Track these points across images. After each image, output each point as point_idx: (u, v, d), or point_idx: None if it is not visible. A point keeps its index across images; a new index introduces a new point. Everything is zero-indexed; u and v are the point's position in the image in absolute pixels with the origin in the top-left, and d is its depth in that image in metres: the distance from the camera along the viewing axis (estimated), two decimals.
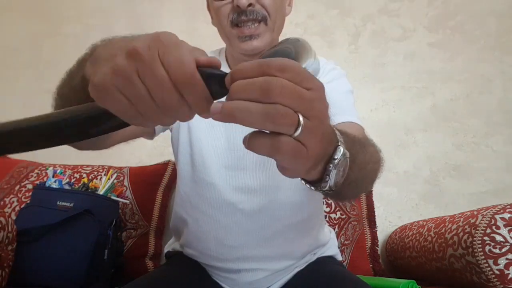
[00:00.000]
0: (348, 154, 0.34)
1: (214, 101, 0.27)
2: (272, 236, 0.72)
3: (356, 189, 0.45)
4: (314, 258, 0.80)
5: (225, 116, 0.26)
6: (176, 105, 0.28)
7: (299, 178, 0.37)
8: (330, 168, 0.33)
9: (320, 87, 0.29)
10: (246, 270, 0.72)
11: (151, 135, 0.79)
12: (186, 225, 0.78)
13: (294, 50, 0.39)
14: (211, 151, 0.73)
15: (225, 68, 0.78)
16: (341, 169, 0.34)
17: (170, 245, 0.90)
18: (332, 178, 0.33)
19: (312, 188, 0.36)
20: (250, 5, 0.65)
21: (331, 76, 0.74)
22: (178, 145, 0.79)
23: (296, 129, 0.27)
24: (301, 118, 0.27)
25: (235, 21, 0.66)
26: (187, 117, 0.30)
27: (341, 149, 0.33)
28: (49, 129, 0.32)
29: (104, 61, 0.29)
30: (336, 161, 0.33)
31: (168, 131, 0.83)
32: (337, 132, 0.34)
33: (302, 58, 0.39)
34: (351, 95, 0.75)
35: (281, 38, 0.80)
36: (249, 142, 0.28)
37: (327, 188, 0.34)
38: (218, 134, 0.73)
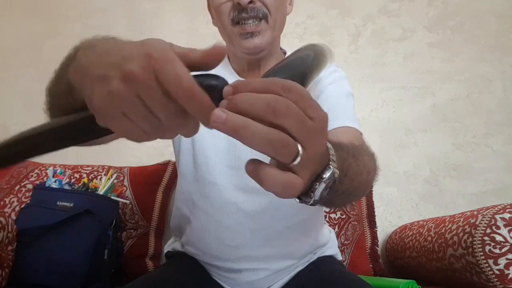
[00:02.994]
0: (337, 174, 0.33)
1: (217, 109, 0.26)
2: (273, 237, 0.72)
3: (348, 198, 0.45)
4: (314, 257, 0.80)
5: (227, 130, 0.25)
6: (181, 121, 0.27)
7: None
8: (316, 186, 0.32)
9: (324, 118, 0.28)
10: (247, 270, 0.72)
11: None
12: (189, 223, 0.78)
13: (314, 55, 0.37)
14: (214, 150, 0.73)
15: (227, 68, 0.78)
16: (328, 186, 0.33)
17: (170, 245, 0.89)
18: (317, 194, 0.33)
19: (297, 200, 0.35)
20: (251, 2, 0.64)
21: (332, 78, 0.74)
22: (180, 144, 0.78)
23: (294, 160, 0.27)
24: (300, 149, 0.26)
25: (236, 19, 0.66)
26: (192, 132, 0.29)
27: (331, 169, 0.32)
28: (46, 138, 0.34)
29: (97, 81, 0.28)
30: (323, 180, 0.32)
31: None
32: (330, 150, 0.34)
33: (318, 66, 0.38)
34: (351, 98, 0.74)
35: (282, 38, 0.81)
36: (260, 175, 0.27)
37: (311, 202, 0.34)
38: (220, 133, 0.72)
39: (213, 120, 0.25)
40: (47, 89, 0.46)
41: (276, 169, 0.27)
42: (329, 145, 0.34)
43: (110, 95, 0.27)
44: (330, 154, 0.33)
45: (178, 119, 0.27)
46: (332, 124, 0.66)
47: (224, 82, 0.28)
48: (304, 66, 0.35)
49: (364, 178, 0.45)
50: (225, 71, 0.77)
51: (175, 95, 0.26)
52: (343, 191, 0.40)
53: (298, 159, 0.26)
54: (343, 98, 0.72)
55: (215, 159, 0.73)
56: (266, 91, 0.26)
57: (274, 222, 0.72)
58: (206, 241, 0.74)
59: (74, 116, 0.33)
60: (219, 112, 0.25)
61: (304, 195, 0.34)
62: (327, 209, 1.17)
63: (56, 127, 0.33)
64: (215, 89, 0.27)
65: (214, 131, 0.27)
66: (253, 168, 0.28)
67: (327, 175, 0.32)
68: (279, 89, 0.26)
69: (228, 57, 0.80)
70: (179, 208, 0.82)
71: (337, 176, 0.33)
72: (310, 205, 0.35)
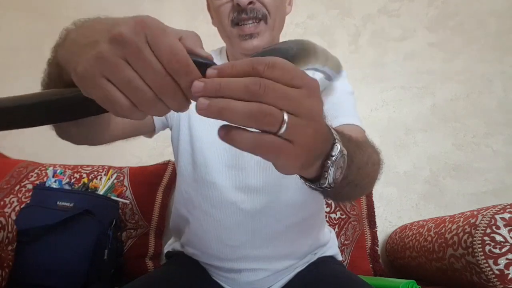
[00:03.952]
0: (345, 151, 0.34)
1: (200, 98, 0.26)
2: (273, 237, 0.72)
3: (356, 190, 0.46)
4: (314, 258, 0.80)
5: (211, 113, 0.26)
6: (171, 91, 0.27)
7: (299, 177, 0.36)
8: (328, 164, 0.33)
9: (311, 84, 0.29)
10: (247, 270, 0.72)
11: (151, 133, 0.78)
12: (188, 224, 0.78)
13: (295, 49, 0.38)
14: (213, 150, 0.73)
15: None
16: (339, 166, 0.34)
17: (170, 245, 0.90)
18: (331, 174, 0.33)
19: (312, 186, 0.36)
20: (250, 3, 0.65)
21: None
22: (178, 144, 0.78)
23: (280, 127, 0.27)
24: (285, 116, 0.27)
25: (235, 20, 0.66)
26: (181, 104, 0.29)
27: (338, 146, 0.33)
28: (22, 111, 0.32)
29: (84, 47, 0.28)
30: (333, 157, 0.32)
31: (167, 130, 0.82)
32: (332, 130, 0.34)
33: (301, 59, 0.39)
34: (352, 97, 0.76)
35: (281, 38, 0.81)
36: (230, 136, 0.27)
37: (326, 185, 0.34)
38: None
39: (198, 108, 0.26)
40: (41, 82, 0.46)
41: (252, 132, 0.27)
42: (331, 128, 0.35)
43: (94, 58, 0.26)
44: (333, 134, 0.34)
45: (166, 86, 0.27)
46: (335, 122, 0.66)
47: (213, 63, 0.29)
48: (288, 55, 0.36)
49: (370, 169, 0.46)
50: None
51: (168, 65, 0.26)
52: (352, 180, 0.40)
53: (285, 126, 0.27)
54: (345, 97, 0.73)
55: (214, 159, 0.73)
56: (250, 71, 0.27)
57: (274, 222, 0.72)
58: (205, 241, 0.74)
59: (61, 90, 0.32)
60: (202, 100, 0.26)
61: (318, 179, 0.34)
62: (327, 209, 1.18)
63: (42, 101, 0.32)
64: (205, 67, 0.28)
65: (213, 130, 0.27)
66: (226, 131, 0.27)
67: (335, 152, 0.32)
68: (263, 66, 0.27)
69: (227, 56, 0.80)
70: (178, 209, 0.82)
71: (345, 154, 0.34)
72: (324, 188, 0.35)
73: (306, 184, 0.37)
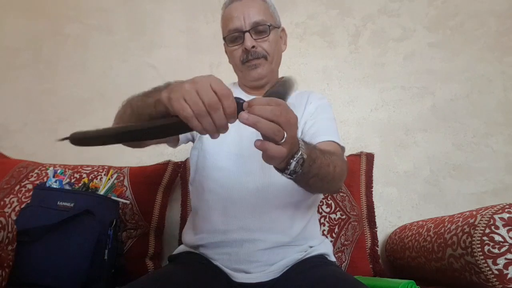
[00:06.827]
0: (305, 156, 0.57)
1: (243, 112, 0.48)
2: (270, 211, 0.83)
3: (322, 183, 0.69)
4: (310, 251, 0.85)
5: (249, 122, 0.47)
6: (219, 113, 0.48)
7: (273, 167, 0.59)
8: (291, 161, 0.56)
9: (296, 117, 0.53)
10: (248, 241, 0.80)
11: (175, 143, 0.96)
12: (197, 213, 0.90)
13: (285, 90, 0.63)
14: (225, 143, 0.88)
15: (240, 93, 1.00)
16: (299, 163, 0.56)
17: (174, 250, 0.94)
18: (291, 167, 0.56)
19: (280, 173, 0.59)
20: (253, 47, 0.89)
21: (319, 104, 0.97)
22: (202, 142, 0.96)
23: (282, 139, 0.49)
24: (285, 134, 0.49)
25: (244, 60, 0.91)
26: (223, 124, 0.50)
27: (299, 152, 0.56)
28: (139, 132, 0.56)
29: (176, 88, 0.51)
30: (295, 158, 0.56)
31: (189, 143, 1.01)
32: (301, 142, 0.57)
33: (290, 93, 0.66)
34: (333, 121, 0.96)
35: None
36: (264, 144, 0.49)
37: (288, 173, 0.58)
38: (230, 130, 0.81)
39: (241, 117, 0.48)
40: (130, 102, 0.70)
41: (273, 143, 0.50)
42: (300, 139, 0.58)
43: (181, 89, 0.50)
44: (300, 144, 0.57)
45: (215, 108, 0.48)
46: (317, 139, 0.86)
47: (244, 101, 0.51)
48: (284, 93, 0.61)
49: (331, 169, 0.68)
50: (239, 93, 1.00)
51: (222, 99, 0.48)
52: (314, 174, 0.64)
53: (284, 139, 0.50)
54: (328, 122, 0.94)
55: (225, 150, 0.89)
56: (269, 105, 0.49)
57: (271, 198, 0.84)
58: (213, 218, 0.85)
59: (163, 120, 0.55)
60: (245, 114, 0.48)
61: (284, 169, 0.57)
62: (327, 209, 1.18)
63: (154, 126, 0.55)
64: (241, 105, 0.51)
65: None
66: (261, 143, 0.49)
67: (298, 154, 0.56)
68: (276, 103, 0.49)
69: (239, 86, 1.03)
70: (192, 206, 0.95)
71: (305, 157, 0.57)
72: (289, 174, 0.58)
73: (277, 171, 0.59)
